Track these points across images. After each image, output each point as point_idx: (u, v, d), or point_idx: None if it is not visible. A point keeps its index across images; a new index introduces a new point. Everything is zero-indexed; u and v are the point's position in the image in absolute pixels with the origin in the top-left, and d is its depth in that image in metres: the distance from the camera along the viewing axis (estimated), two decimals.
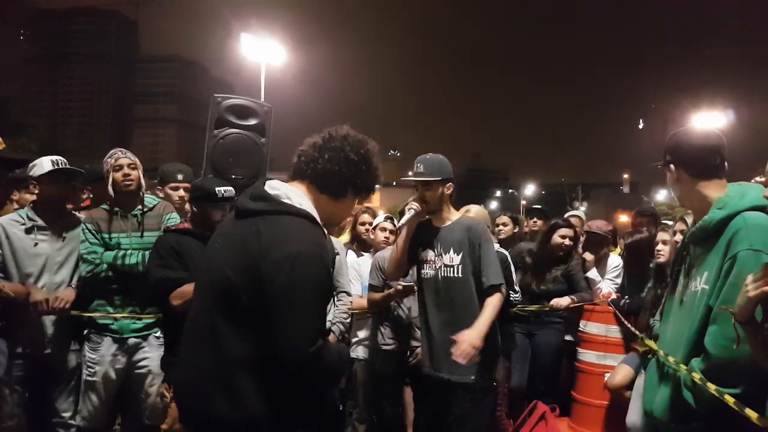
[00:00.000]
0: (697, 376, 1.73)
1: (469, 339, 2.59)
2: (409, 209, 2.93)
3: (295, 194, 1.68)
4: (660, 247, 3.67)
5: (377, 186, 1.80)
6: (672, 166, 1.98)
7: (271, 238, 1.56)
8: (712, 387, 1.67)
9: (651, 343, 2.15)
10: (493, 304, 2.76)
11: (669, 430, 1.86)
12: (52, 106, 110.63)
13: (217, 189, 2.79)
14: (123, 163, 3.23)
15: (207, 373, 1.61)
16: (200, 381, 1.63)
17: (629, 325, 3.42)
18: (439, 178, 2.90)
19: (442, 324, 2.90)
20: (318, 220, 1.68)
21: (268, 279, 1.52)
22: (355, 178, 1.73)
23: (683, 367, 1.81)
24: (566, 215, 5.15)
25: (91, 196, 4.17)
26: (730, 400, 1.60)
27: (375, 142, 1.80)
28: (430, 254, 2.96)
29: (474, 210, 4.06)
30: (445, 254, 2.91)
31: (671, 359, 1.90)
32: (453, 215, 3.00)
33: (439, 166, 2.91)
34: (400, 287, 3.54)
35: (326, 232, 1.79)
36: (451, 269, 2.89)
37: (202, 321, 1.65)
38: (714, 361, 1.67)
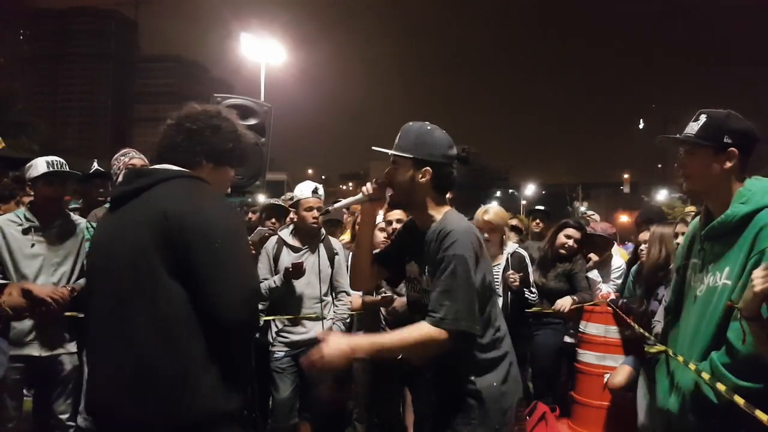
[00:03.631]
0: (706, 376, 1.70)
1: (332, 344, 1.76)
2: (360, 191, 2.14)
3: (170, 165, 1.69)
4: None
5: (239, 148, 1.78)
6: (734, 150, 1.82)
7: (170, 200, 1.54)
8: (722, 387, 1.64)
9: (660, 347, 2.09)
10: (412, 330, 1.85)
11: (687, 426, 1.81)
12: (52, 106, 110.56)
13: None
14: (136, 163, 3.29)
15: (124, 370, 1.51)
16: (115, 383, 1.53)
17: (637, 327, 3.37)
18: (409, 156, 1.99)
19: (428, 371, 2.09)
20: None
21: (180, 240, 1.49)
22: (198, 146, 1.71)
23: (692, 366, 1.78)
24: (582, 214, 5.16)
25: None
26: (739, 401, 1.57)
27: (232, 111, 1.84)
28: (416, 269, 2.17)
29: (492, 211, 3.99)
30: (423, 275, 2.08)
31: (680, 358, 1.86)
32: (437, 216, 2.05)
33: (414, 141, 2.01)
34: (380, 298, 3.54)
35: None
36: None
37: (107, 321, 1.57)
38: (740, 357, 1.63)
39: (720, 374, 1.67)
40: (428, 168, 2.01)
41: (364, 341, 1.91)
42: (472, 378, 1.96)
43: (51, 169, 3.06)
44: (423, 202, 2.05)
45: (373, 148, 2.12)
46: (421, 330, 1.84)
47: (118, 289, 1.54)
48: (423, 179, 2.01)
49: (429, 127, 2.06)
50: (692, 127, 1.88)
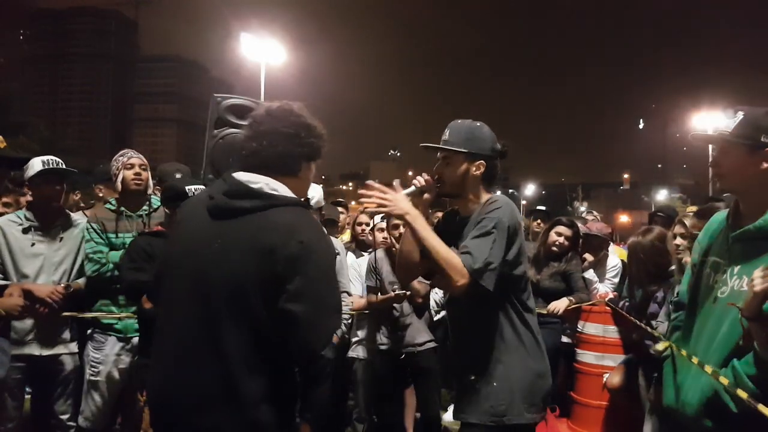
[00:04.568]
0: (725, 380, 1.63)
1: (399, 197, 2.02)
2: (413, 184, 2.23)
3: (275, 183, 1.64)
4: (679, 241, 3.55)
5: (324, 141, 1.75)
6: None
7: (279, 233, 1.53)
8: (724, 381, 1.60)
9: (665, 342, 2.07)
10: (449, 251, 1.97)
11: (701, 427, 1.74)
12: (52, 106, 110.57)
13: (187, 188, 2.73)
14: (135, 162, 3.29)
15: (205, 383, 1.53)
16: (194, 393, 1.55)
17: (640, 324, 3.36)
18: (464, 151, 2.15)
19: (456, 351, 2.29)
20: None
21: (285, 275, 1.50)
22: (299, 149, 1.68)
23: (708, 369, 1.71)
24: (581, 214, 5.16)
25: (101, 194, 4.20)
26: (742, 394, 1.54)
27: (300, 102, 1.75)
28: None
29: None
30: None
31: (683, 352, 1.82)
32: (484, 200, 2.21)
33: (467, 136, 2.16)
34: (392, 294, 3.55)
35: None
36: None
37: (194, 329, 1.56)
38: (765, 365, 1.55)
39: (743, 384, 1.59)
40: (482, 161, 2.16)
41: (419, 218, 2.01)
42: (502, 356, 2.09)
43: (46, 166, 3.06)
44: (474, 193, 2.20)
45: (422, 144, 2.25)
46: (455, 258, 1.95)
47: (212, 308, 1.54)
48: (477, 172, 2.17)
49: (478, 124, 2.21)
50: (727, 124, 1.76)
